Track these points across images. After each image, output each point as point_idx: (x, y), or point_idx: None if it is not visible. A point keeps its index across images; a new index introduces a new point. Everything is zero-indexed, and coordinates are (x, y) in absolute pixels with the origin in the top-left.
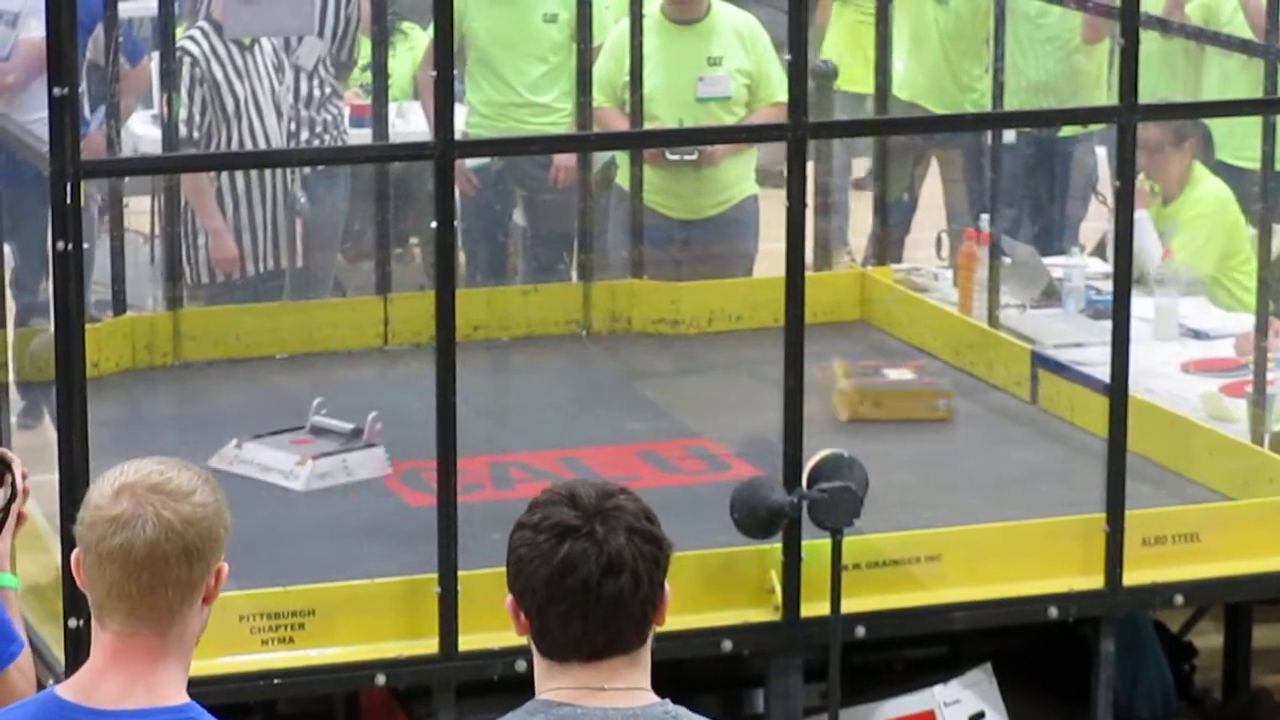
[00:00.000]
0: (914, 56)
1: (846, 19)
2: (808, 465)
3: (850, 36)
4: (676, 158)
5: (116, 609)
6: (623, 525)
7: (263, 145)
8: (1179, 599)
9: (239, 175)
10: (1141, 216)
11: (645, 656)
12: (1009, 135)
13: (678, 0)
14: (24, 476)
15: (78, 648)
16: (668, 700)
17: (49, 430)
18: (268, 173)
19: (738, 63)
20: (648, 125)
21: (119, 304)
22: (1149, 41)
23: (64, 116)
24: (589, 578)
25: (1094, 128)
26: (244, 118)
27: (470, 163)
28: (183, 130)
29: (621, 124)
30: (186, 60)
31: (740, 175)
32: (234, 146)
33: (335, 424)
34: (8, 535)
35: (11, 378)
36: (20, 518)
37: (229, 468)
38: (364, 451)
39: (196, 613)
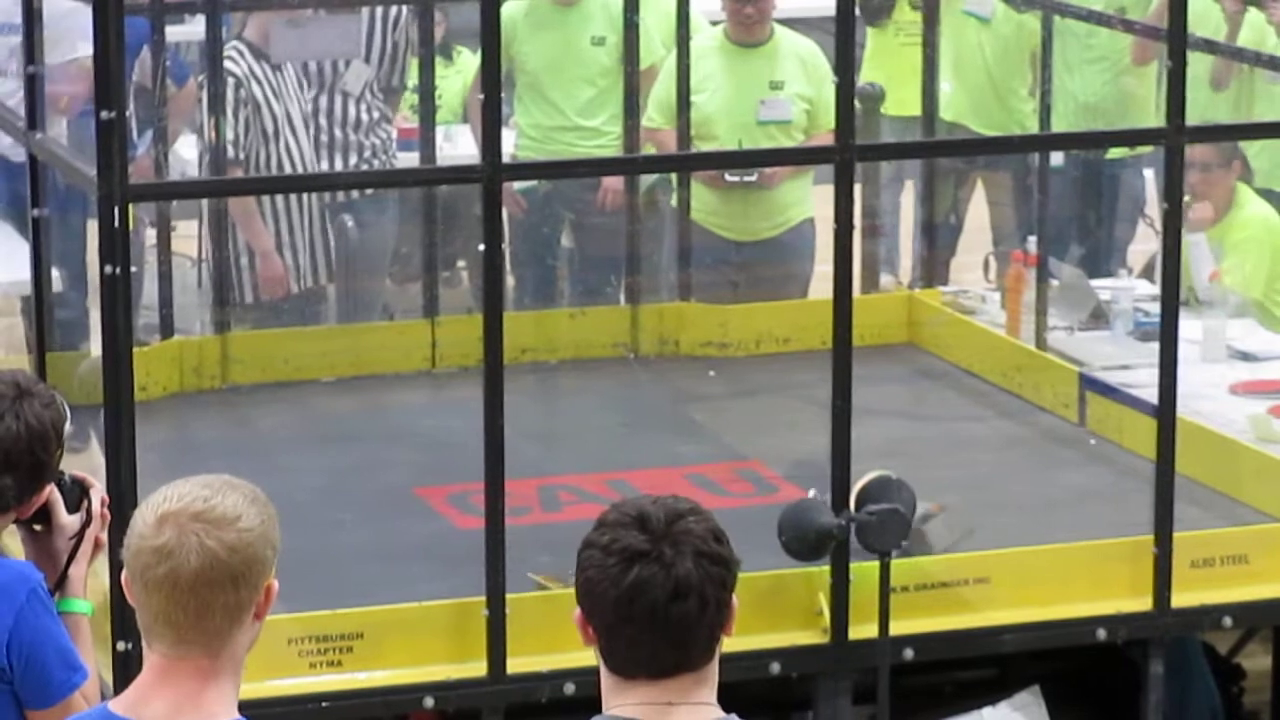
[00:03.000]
0: (958, 78)
1: (884, 43)
2: (856, 487)
3: (890, 59)
4: (736, 179)
5: (164, 634)
6: (690, 548)
7: (299, 164)
8: (1228, 621)
9: (280, 196)
10: (1197, 239)
11: (712, 672)
12: (1056, 157)
13: (741, 23)
14: (105, 504)
15: (127, 671)
16: (733, 715)
17: (97, 454)
18: (306, 196)
19: (799, 88)
20: (707, 146)
21: (166, 328)
22: (1197, 63)
23: (112, 139)
24: (656, 602)
25: (1141, 150)
26: (281, 137)
27: (518, 186)
28: (229, 151)
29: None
30: (230, 81)
31: (798, 198)
32: (272, 165)
33: None
34: (83, 561)
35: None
36: (97, 544)
37: None
38: None
39: (247, 630)
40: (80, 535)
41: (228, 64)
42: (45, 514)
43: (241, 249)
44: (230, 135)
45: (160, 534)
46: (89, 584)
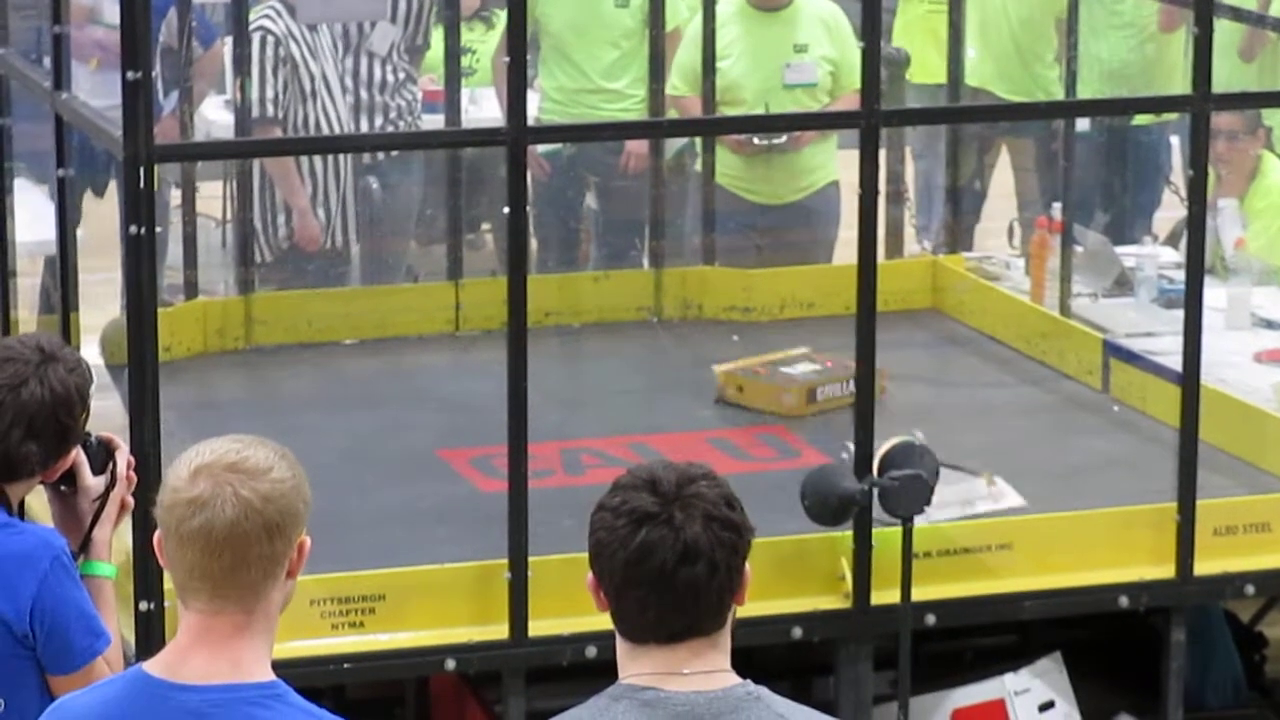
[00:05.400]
0: (983, 44)
1: (913, 10)
2: (879, 453)
3: (919, 26)
4: (764, 142)
5: (200, 589)
6: (700, 512)
7: (335, 124)
8: (1250, 589)
9: (315, 156)
10: (1227, 205)
11: (725, 637)
12: (1082, 123)
13: None
14: (131, 465)
15: (149, 631)
16: (748, 681)
17: (120, 414)
18: (340, 155)
19: (823, 50)
20: (733, 111)
21: (191, 288)
22: (1226, 33)
23: (137, 100)
24: (665, 565)
25: (1168, 117)
26: (318, 97)
27: (542, 149)
28: (268, 110)
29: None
30: (270, 40)
31: (823, 161)
32: (310, 125)
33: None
34: (108, 523)
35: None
36: (123, 506)
37: None
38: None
39: (280, 587)
40: (105, 497)
41: (265, 23)
42: (71, 476)
43: (267, 209)
44: (270, 94)
45: (195, 486)
46: (112, 546)
